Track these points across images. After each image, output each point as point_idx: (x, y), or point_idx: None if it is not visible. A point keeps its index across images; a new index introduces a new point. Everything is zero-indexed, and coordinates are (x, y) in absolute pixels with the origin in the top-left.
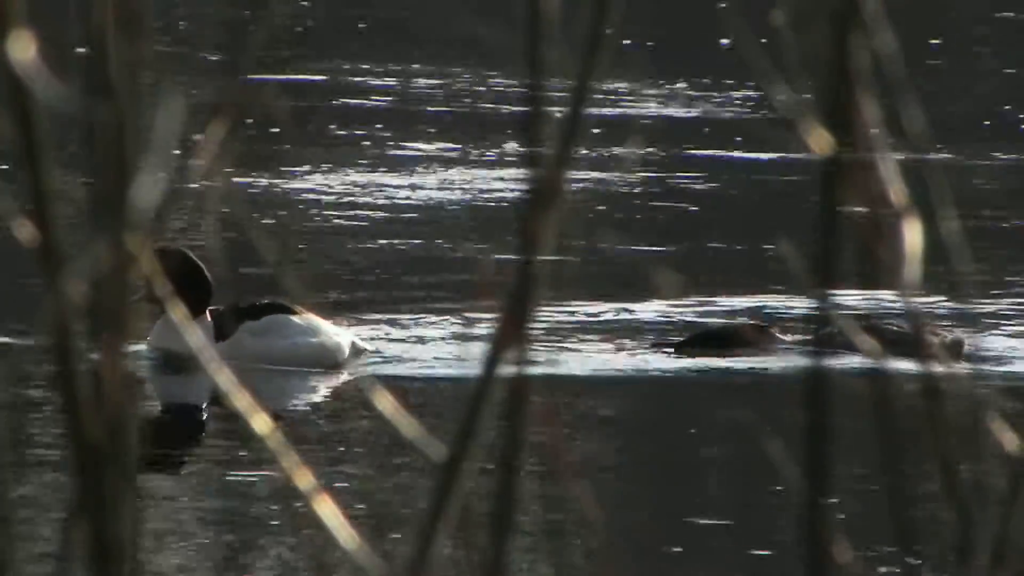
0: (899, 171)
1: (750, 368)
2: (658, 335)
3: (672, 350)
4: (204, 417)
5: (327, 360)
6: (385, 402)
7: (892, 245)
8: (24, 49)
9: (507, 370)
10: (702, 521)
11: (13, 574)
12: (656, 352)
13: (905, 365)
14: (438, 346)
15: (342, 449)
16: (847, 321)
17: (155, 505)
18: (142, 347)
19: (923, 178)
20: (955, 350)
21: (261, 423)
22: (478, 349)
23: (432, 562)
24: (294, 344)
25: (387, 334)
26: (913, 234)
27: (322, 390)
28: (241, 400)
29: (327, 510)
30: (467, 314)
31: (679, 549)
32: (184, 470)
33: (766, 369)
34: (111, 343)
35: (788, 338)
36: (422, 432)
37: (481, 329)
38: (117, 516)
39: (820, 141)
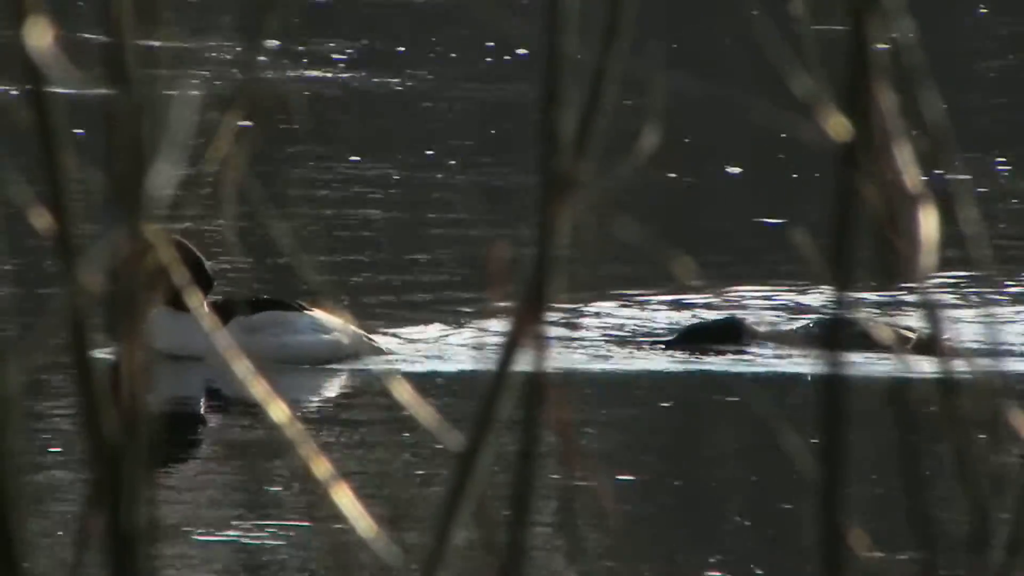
0: (916, 158)
1: (752, 362)
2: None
3: (664, 347)
4: (205, 410)
5: (319, 359)
6: (403, 392)
7: (908, 234)
8: (41, 36)
9: (524, 361)
10: (715, 513)
11: (31, 565)
12: (650, 349)
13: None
14: (456, 342)
15: (357, 439)
16: (863, 314)
17: (171, 495)
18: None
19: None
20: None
21: (278, 411)
22: (495, 341)
23: (449, 551)
24: (282, 343)
25: (407, 332)
26: (930, 223)
27: (324, 384)
28: (258, 389)
29: (345, 499)
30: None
31: (692, 541)
32: (195, 461)
33: (765, 364)
34: (127, 333)
35: (767, 331)
36: (440, 421)
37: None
38: (133, 507)
39: (837, 128)
